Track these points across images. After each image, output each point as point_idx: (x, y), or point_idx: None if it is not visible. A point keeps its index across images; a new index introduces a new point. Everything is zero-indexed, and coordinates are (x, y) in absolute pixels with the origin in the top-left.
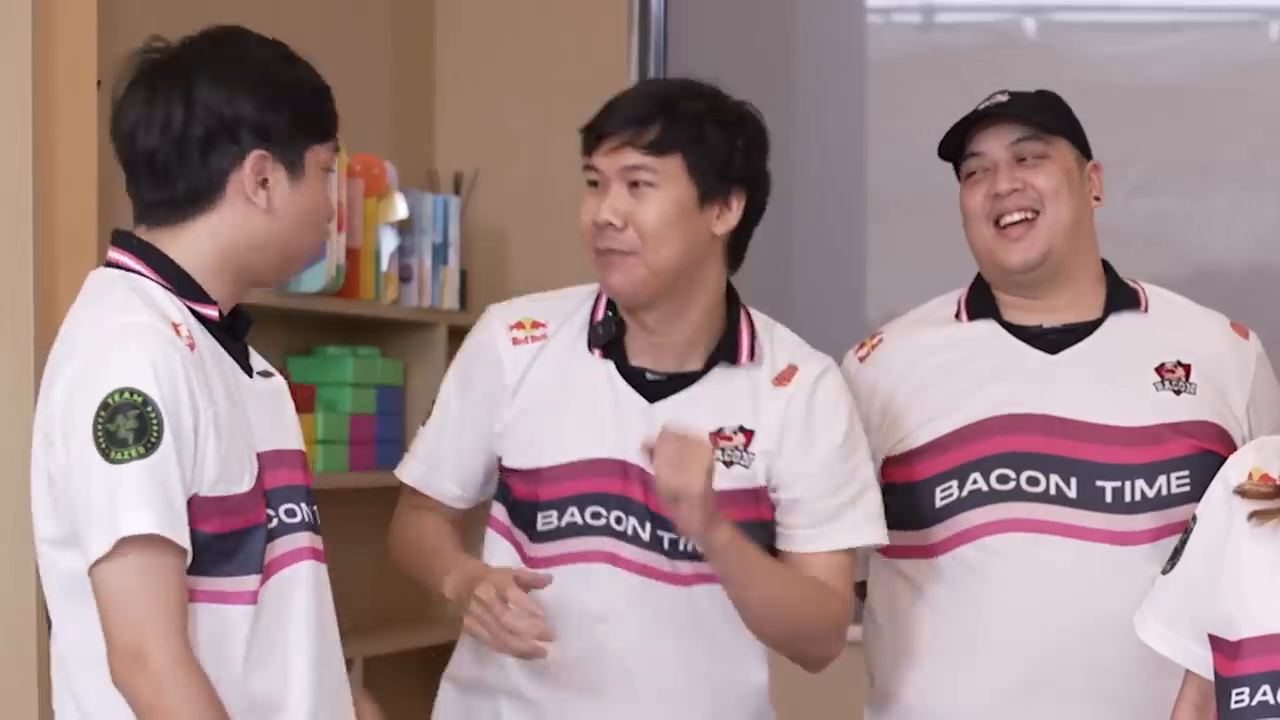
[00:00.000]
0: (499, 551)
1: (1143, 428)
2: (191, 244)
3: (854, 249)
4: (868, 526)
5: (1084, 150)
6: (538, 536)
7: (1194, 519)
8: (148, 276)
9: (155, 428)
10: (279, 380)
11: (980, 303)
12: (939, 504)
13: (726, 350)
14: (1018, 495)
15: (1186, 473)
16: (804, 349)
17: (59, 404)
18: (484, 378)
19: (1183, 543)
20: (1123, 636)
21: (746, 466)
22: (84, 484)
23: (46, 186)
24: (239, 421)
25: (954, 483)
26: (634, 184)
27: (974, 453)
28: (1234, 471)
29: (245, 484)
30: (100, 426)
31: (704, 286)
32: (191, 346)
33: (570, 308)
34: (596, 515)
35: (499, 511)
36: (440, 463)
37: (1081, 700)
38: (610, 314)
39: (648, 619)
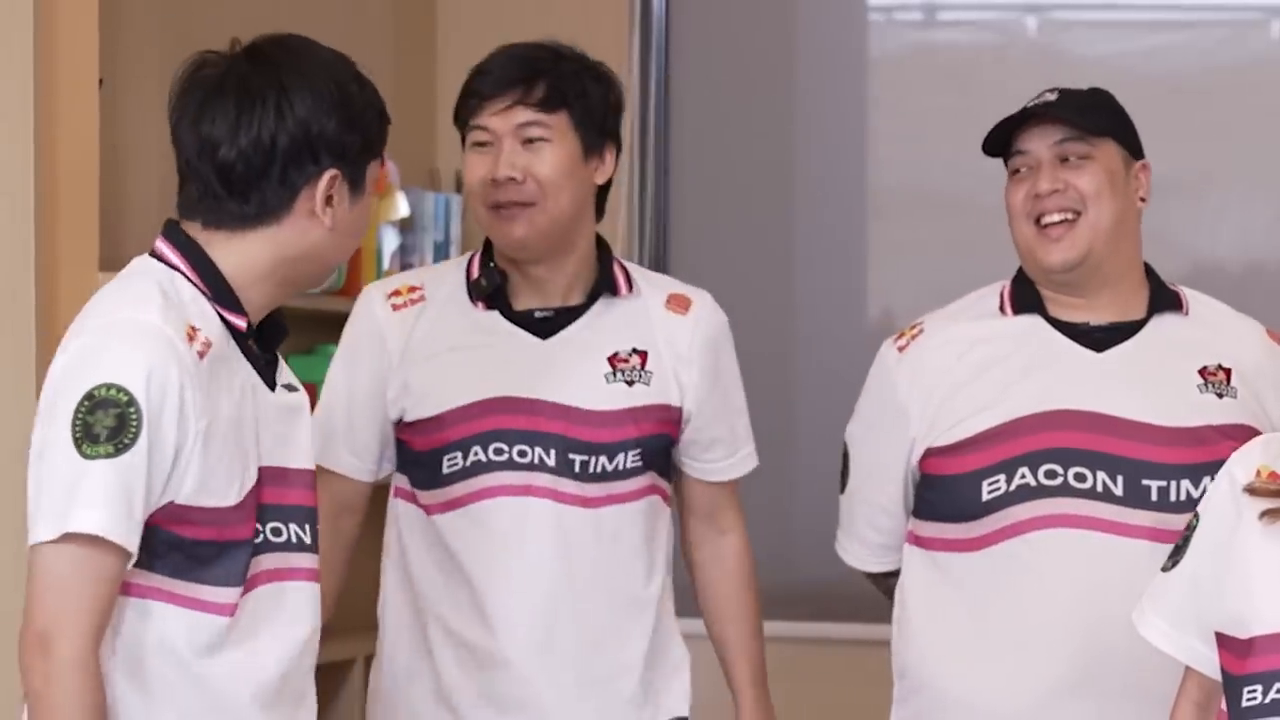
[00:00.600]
0: (403, 516)
1: (1188, 428)
2: (246, 251)
3: (855, 247)
4: (754, 454)
5: (1133, 150)
6: (444, 480)
7: (1196, 516)
8: (186, 275)
9: (133, 429)
10: (301, 397)
11: (1025, 297)
12: (986, 497)
13: (607, 283)
14: (1065, 491)
15: None
16: (677, 282)
17: (49, 381)
18: (368, 349)
19: (1185, 540)
20: None
21: (648, 384)
22: (49, 467)
23: (48, 186)
24: (240, 435)
25: (1001, 477)
26: (528, 140)
27: (1022, 447)
28: (1241, 469)
29: (231, 498)
30: (80, 417)
31: (583, 235)
32: (202, 355)
33: (443, 270)
34: (499, 451)
35: (400, 480)
36: (334, 436)
37: (1124, 697)
38: (492, 265)
39: (561, 543)
